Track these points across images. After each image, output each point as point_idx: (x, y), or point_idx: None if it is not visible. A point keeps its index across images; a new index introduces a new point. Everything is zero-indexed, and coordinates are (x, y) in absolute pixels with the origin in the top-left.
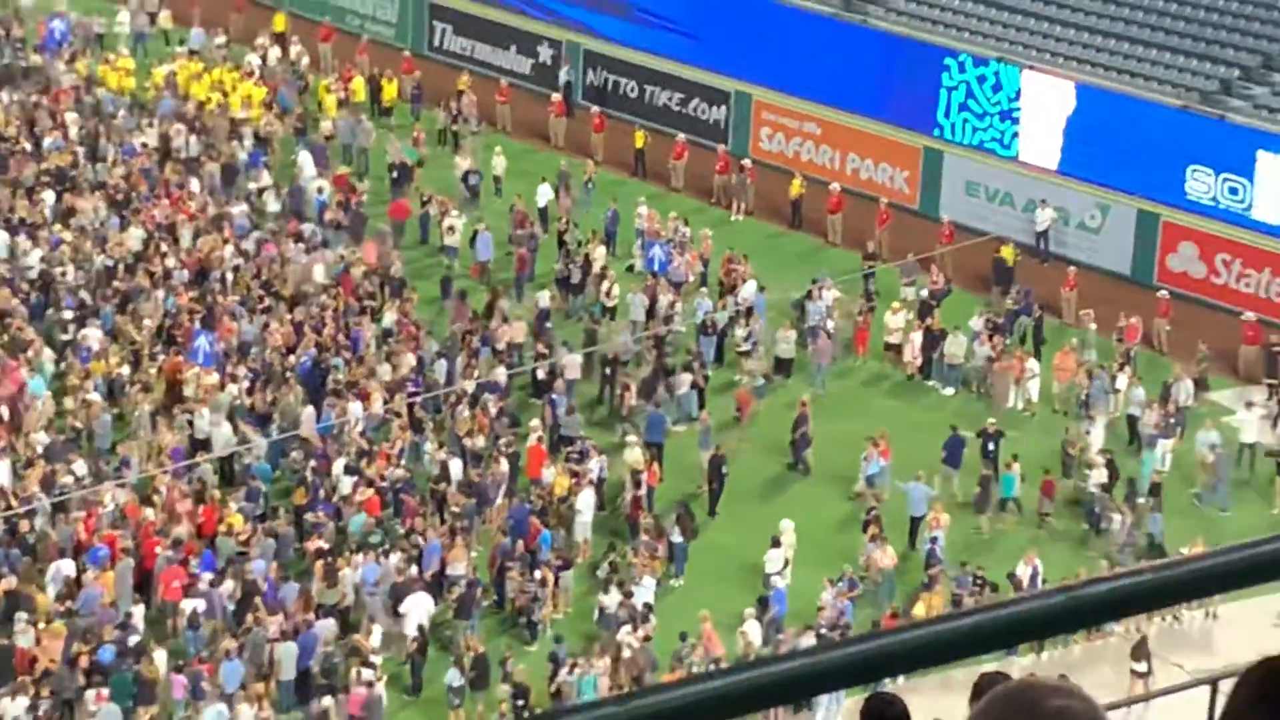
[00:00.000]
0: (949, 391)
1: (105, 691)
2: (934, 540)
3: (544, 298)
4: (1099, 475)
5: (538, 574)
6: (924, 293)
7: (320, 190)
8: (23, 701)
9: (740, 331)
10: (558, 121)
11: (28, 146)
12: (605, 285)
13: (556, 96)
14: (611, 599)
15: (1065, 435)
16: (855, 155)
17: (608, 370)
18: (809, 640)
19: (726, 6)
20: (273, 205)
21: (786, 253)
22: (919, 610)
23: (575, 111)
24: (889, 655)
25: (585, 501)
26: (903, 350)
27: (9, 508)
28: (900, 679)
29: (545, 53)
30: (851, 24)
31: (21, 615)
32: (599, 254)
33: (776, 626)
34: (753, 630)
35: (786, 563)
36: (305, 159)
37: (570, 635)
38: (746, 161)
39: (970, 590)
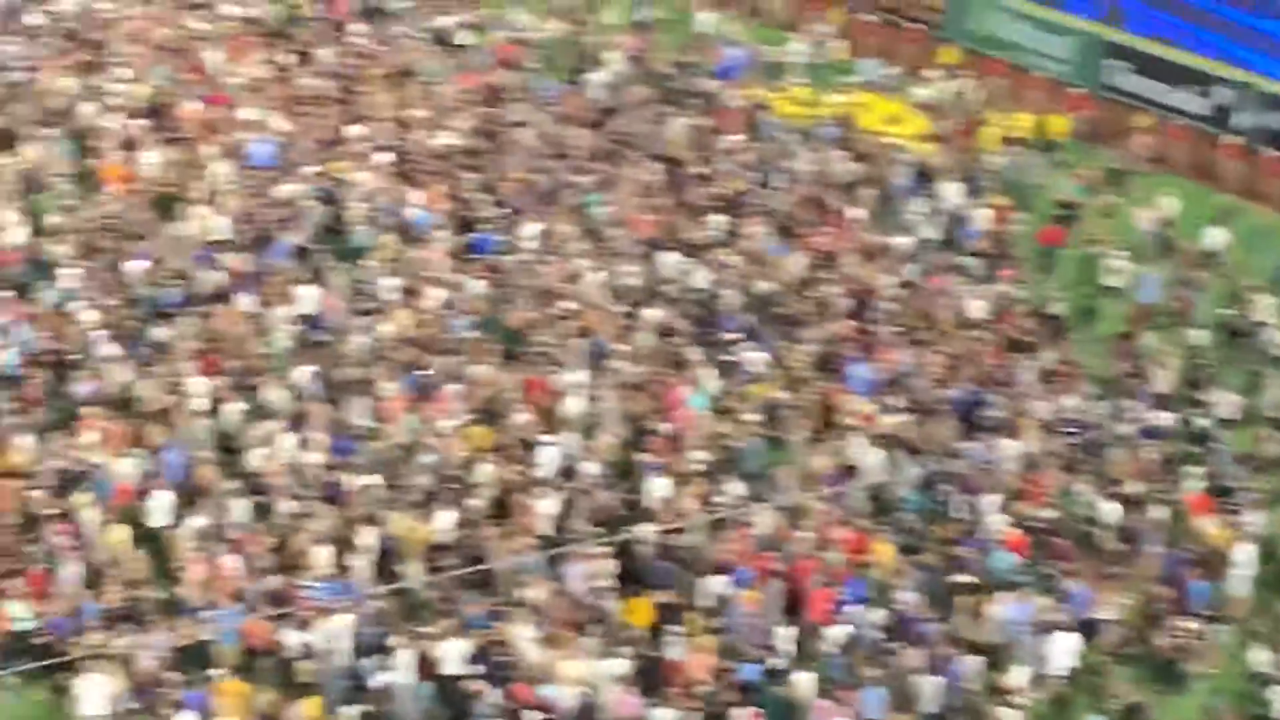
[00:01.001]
0: None
1: (757, 710)
2: None
3: (1202, 340)
4: None
5: (1190, 625)
6: None
7: (977, 222)
8: (670, 714)
9: None
10: (1231, 164)
11: (698, 170)
12: (1273, 335)
13: (1231, 139)
14: (1264, 657)
15: None
16: None
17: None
18: None
19: None
20: (931, 235)
21: None
22: None
23: (1251, 155)
24: None
25: (1244, 555)
26: None
27: (666, 522)
28: None
29: (1221, 94)
30: None
31: (673, 628)
32: (1267, 302)
33: None
34: None
35: None
36: (960, 190)
37: (1220, 693)
38: None
39: None
